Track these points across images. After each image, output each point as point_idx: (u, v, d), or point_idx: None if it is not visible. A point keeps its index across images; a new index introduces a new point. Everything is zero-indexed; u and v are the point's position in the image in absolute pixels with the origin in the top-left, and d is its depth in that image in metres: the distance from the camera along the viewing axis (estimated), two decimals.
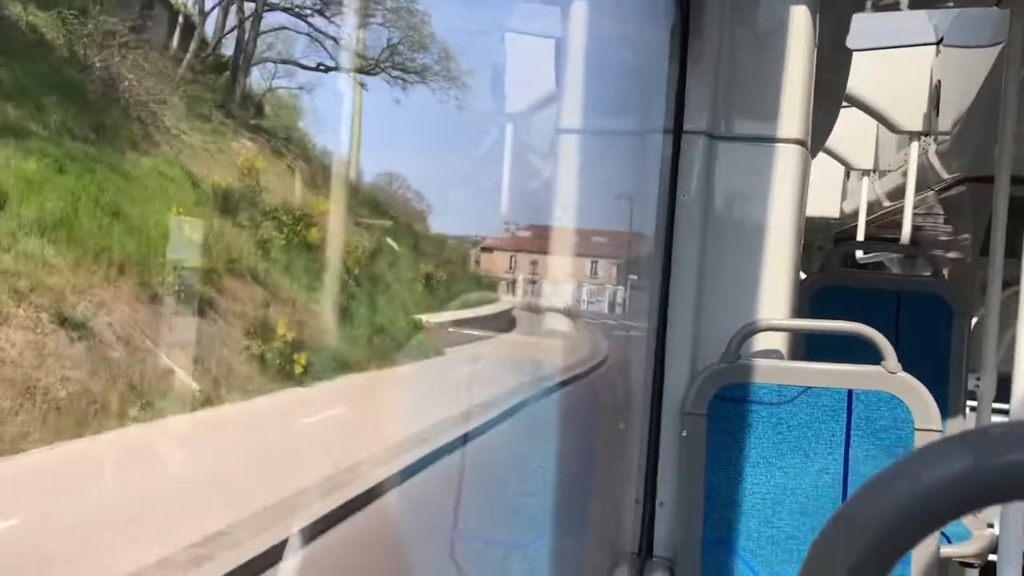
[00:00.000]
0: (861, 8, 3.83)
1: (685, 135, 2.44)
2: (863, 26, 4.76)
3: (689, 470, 2.32)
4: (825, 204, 8.19)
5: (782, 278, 2.47)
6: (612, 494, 2.42)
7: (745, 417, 2.33)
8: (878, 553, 0.70)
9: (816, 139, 4.12)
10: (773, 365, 2.35)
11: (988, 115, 3.95)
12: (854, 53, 5.18)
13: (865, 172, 6.50)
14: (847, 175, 7.49)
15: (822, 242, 9.75)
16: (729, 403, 2.33)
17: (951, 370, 3.53)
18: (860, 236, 6.15)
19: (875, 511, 0.70)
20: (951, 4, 4.21)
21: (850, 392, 2.30)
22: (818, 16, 2.54)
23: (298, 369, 20.99)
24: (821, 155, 6.99)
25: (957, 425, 3.51)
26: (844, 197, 7.85)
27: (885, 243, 7.43)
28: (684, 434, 2.33)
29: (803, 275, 3.98)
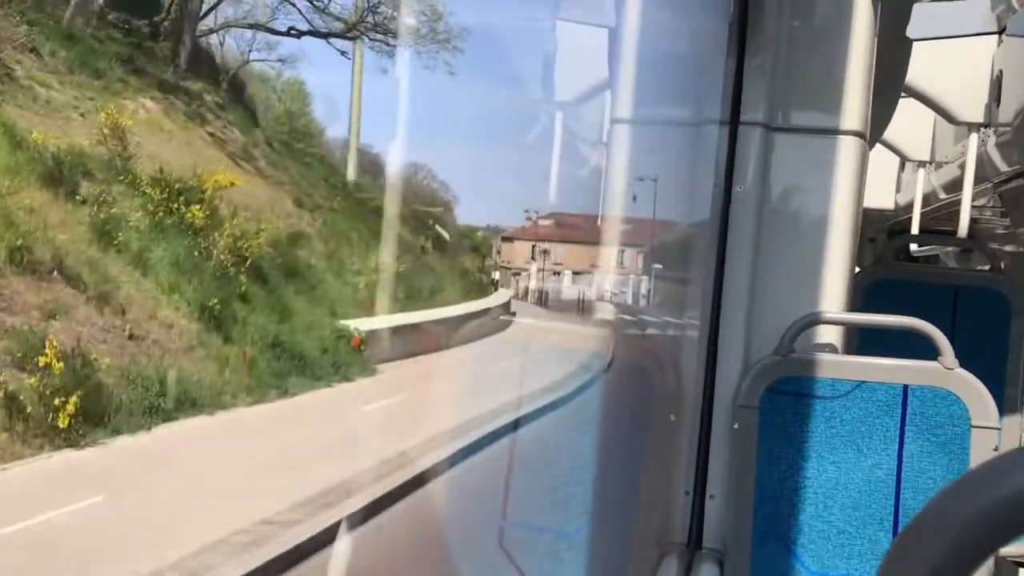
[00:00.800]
0: None
1: (742, 126, 2.43)
2: (924, 15, 4.68)
3: (740, 463, 2.32)
4: (879, 196, 8.05)
5: (838, 271, 2.45)
6: (661, 485, 2.43)
7: (798, 411, 2.31)
8: (959, 557, 0.70)
9: (874, 130, 4.06)
10: (827, 359, 2.33)
11: None
12: (914, 43, 5.10)
13: (921, 164, 6.38)
14: (902, 166, 7.36)
15: (874, 234, 9.61)
16: (782, 396, 2.32)
17: (1008, 368, 3.47)
18: (915, 228, 6.05)
19: (958, 515, 0.70)
20: None
21: (906, 387, 2.27)
22: (879, 6, 2.51)
23: (62, 420, 12.93)
24: (876, 146, 6.89)
25: (1015, 424, 3.45)
26: (898, 189, 7.72)
27: (941, 236, 7.29)
28: (736, 427, 2.32)
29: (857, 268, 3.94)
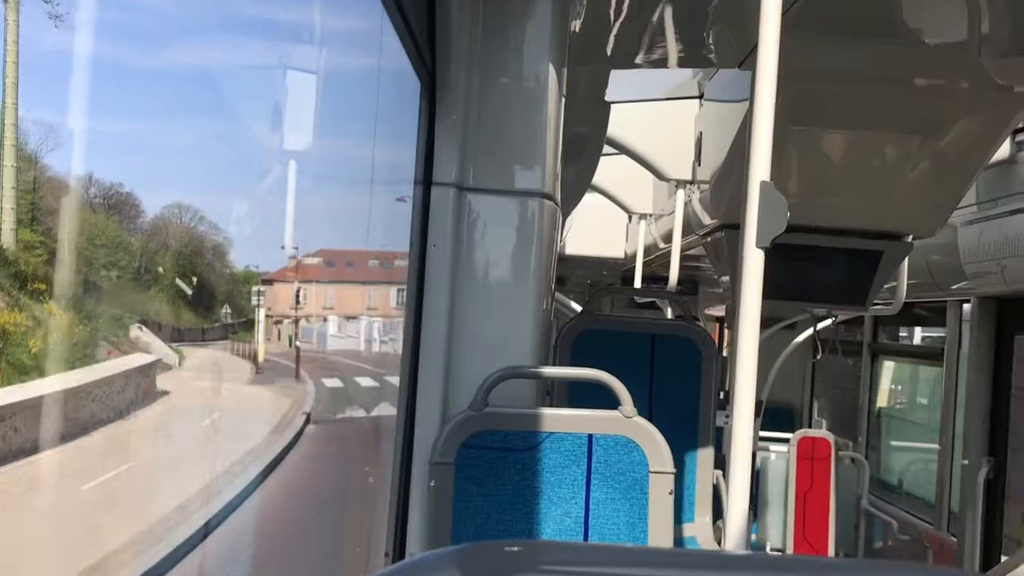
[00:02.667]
0: (622, 65, 4.04)
1: (435, 187, 2.47)
2: (630, 79, 5.03)
3: (437, 520, 2.33)
4: (611, 246, 8.54)
5: (532, 326, 2.54)
6: (362, 548, 2.39)
7: (492, 464, 2.36)
8: None
9: (578, 185, 4.30)
10: (518, 413, 2.40)
11: (740, 166, 4.24)
12: (629, 104, 5.46)
13: (642, 216, 6.82)
14: (630, 218, 7.85)
15: (611, 280, 10.15)
16: (477, 451, 2.36)
17: (700, 410, 3.74)
18: (637, 277, 6.44)
19: None
20: (706, 63, 4.50)
21: (590, 437, 2.38)
22: (565, 71, 2.64)
23: None
24: (605, 200, 7.31)
25: (706, 461, 3.72)
26: (628, 239, 8.22)
27: (631, 289, 7.80)
28: (432, 484, 2.33)
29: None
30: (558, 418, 2.40)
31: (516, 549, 0.67)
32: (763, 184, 2.02)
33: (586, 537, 2.36)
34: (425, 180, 2.47)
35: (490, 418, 2.36)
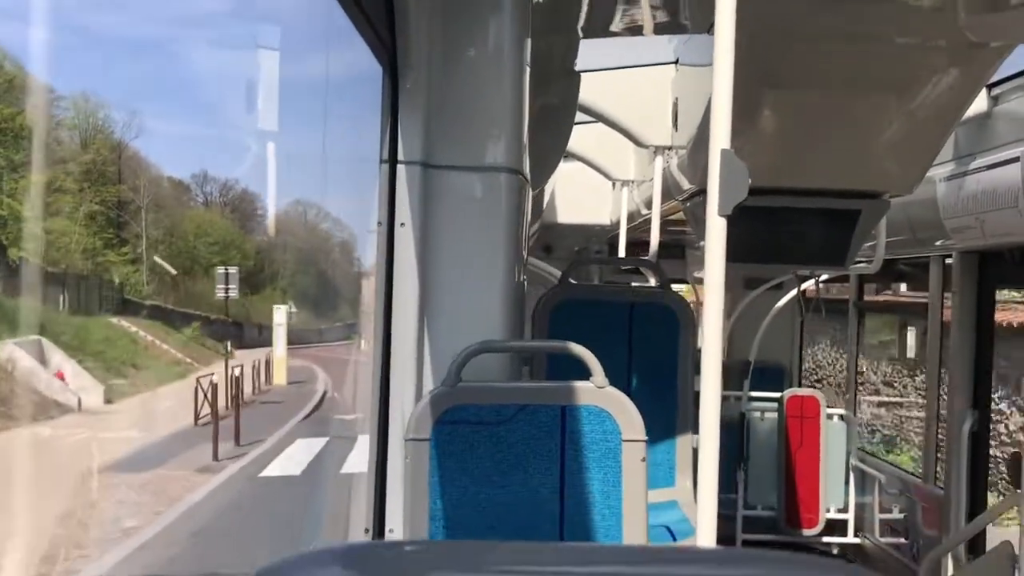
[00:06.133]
0: (595, 34, 4.02)
1: (400, 164, 2.47)
2: (606, 47, 5.01)
3: (414, 496, 2.35)
4: (596, 213, 8.54)
5: (501, 300, 2.55)
6: (342, 525, 2.42)
7: (467, 439, 2.38)
8: None
9: (549, 157, 4.29)
10: (491, 387, 2.42)
11: None
12: (604, 71, 5.43)
13: (625, 183, 6.81)
14: (613, 185, 7.84)
15: (599, 246, 10.15)
16: (452, 426, 2.38)
17: (679, 376, 3.77)
18: (621, 244, 6.45)
19: None
20: (681, 29, 4.48)
21: (563, 408, 2.40)
22: (528, 43, 2.63)
23: None
24: (588, 167, 7.29)
25: (686, 425, 3.75)
26: (612, 206, 8.22)
27: (607, 258, 7.74)
28: (408, 460, 2.36)
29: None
30: (530, 391, 2.42)
31: (407, 548, 0.69)
32: (724, 152, 2.02)
33: (562, 506, 2.39)
34: (391, 159, 2.46)
35: (463, 393, 2.38)
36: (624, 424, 2.38)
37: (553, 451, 2.39)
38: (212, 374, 25.93)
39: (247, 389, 31.10)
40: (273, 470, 19.70)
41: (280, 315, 39.11)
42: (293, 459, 20.45)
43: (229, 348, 35.28)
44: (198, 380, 25.56)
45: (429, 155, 2.48)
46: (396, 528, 2.40)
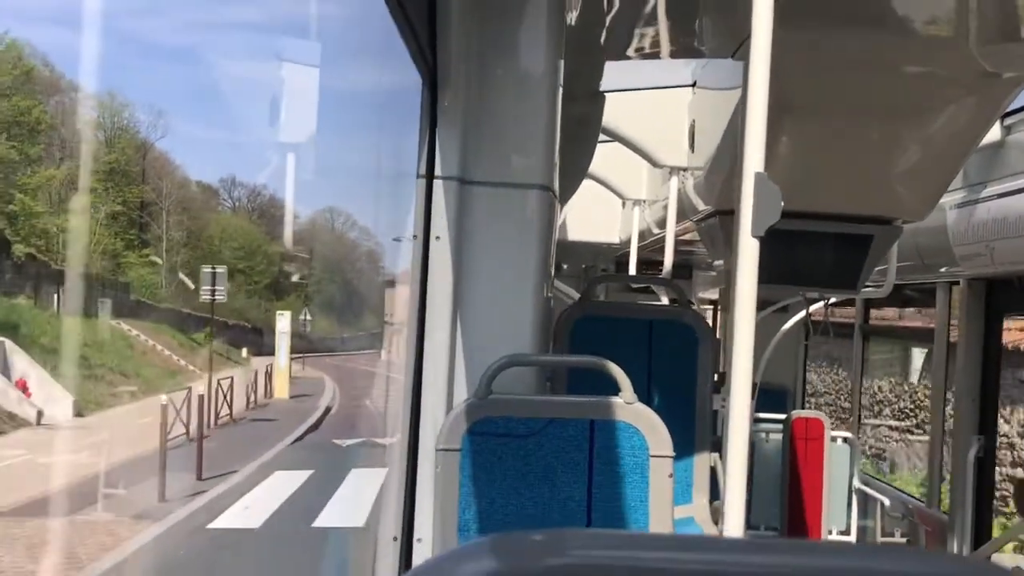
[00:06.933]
0: (616, 57, 4.09)
1: (437, 180, 2.53)
2: (624, 68, 5.08)
3: (444, 505, 2.40)
4: (606, 231, 8.60)
5: (531, 314, 2.60)
6: (370, 533, 2.47)
7: (496, 450, 2.43)
8: None
9: (574, 175, 4.35)
10: (521, 400, 2.47)
11: (732, 153, 4.31)
12: (621, 92, 5.50)
13: (637, 202, 6.88)
14: (624, 204, 7.90)
15: (605, 265, 10.21)
16: (481, 437, 2.42)
17: (697, 394, 3.81)
18: (632, 263, 6.50)
19: None
20: (698, 54, 4.55)
21: (592, 423, 2.45)
22: (561, 64, 2.70)
23: None
24: (600, 186, 7.36)
25: (703, 443, 3.79)
26: (622, 225, 8.28)
27: (626, 276, 7.82)
28: (438, 470, 2.40)
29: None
30: (560, 404, 2.47)
31: (543, 538, 0.73)
32: (757, 175, 2.08)
33: (588, 520, 2.43)
34: (428, 173, 2.52)
35: (494, 405, 2.42)
36: (652, 440, 2.43)
37: (581, 465, 2.44)
38: (189, 387, 22.96)
39: (239, 404, 28.64)
40: (227, 519, 15.57)
41: (284, 322, 36.47)
42: (259, 502, 16.55)
43: (211, 357, 32.15)
44: (168, 396, 22.13)
45: (465, 171, 2.54)
46: (424, 537, 2.45)
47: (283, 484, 18.25)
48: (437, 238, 2.53)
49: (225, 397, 27.80)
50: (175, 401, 22.49)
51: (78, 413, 27.61)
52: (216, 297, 34.01)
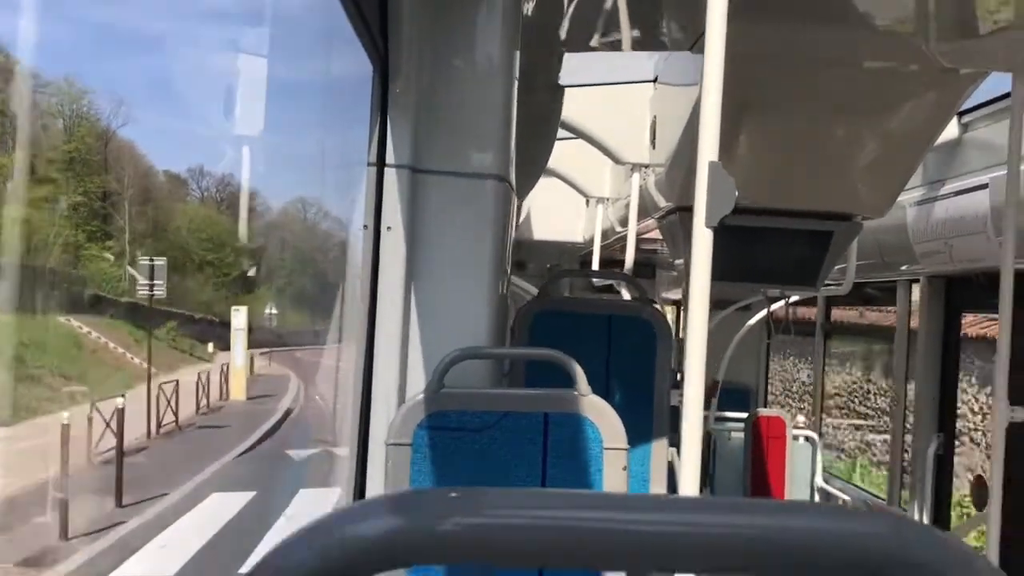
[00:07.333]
0: (576, 48, 4.05)
1: (388, 168, 2.48)
2: (585, 63, 5.05)
3: None
4: (569, 230, 8.58)
5: (485, 306, 2.56)
6: None
7: (449, 445, 2.38)
8: None
9: (533, 169, 4.32)
10: (474, 393, 2.42)
11: (693, 149, 4.29)
12: (583, 87, 5.47)
13: (600, 200, 6.86)
14: (587, 202, 7.89)
15: (570, 264, 10.20)
16: (434, 432, 2.37)
17: (655, 389, 3.79)
18: (595, 261, 6.48)
19: (297, 561, 0.71)
20: (659, 46, 4.54)
21: (546, 415, 2.40)
22: (518, 54, 2.66)
23: None
24: (562, 184, 7.34)
25: (661, 439, 3.77)
26: (585, 223, 8.26)
27: (587, 271, 7.84)
28: (389, 465, 2.35)
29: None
30: (513, 398, 2.43)
31: (455, 495, 0.69)
32: (711, 164, 2.05)
33: None
34: (379, 162, 2.47)
35: (446, 399, 2.37)
36: (606, 432, 2.39)
37: (535, 458, 2.40)
38: (122, 395, 19.81)
39: (189, 409, 26.25)
40: (136, 564, 12.16)
41: (240, 318, 33.03)
42: (181, 537, 13.18)
43: (149, 357, 28.56)
44: (94, 405, 19.66)
45: (417, 159, 2.49)
46: None
47: (217, 510, 15.44)
48: (388, 228, 2.47)
49: (169, 402, 25.02)
50: (104, 410, 20.00)
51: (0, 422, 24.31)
52: (154, 292, 31.61)
